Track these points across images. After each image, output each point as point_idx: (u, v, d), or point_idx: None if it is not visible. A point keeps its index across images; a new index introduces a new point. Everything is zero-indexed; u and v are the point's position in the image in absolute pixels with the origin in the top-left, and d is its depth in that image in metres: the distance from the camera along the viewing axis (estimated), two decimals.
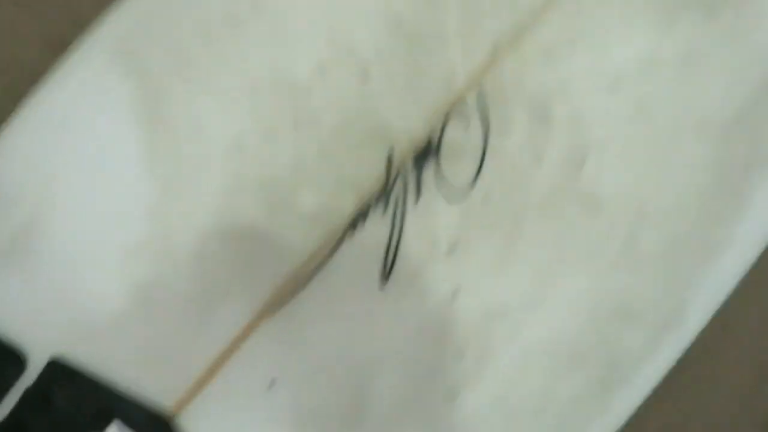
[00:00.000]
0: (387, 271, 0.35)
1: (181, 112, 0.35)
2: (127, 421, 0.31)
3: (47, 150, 0.34)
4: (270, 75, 0.36)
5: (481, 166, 0.37)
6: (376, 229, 0.35)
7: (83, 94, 0.35)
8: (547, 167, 0.38)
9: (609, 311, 0.38)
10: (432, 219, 0.36)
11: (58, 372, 0.31)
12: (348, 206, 0.35)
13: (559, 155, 0.38)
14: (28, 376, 0.31)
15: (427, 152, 0.37)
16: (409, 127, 0.37)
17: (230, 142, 0.35)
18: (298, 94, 0.36)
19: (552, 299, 0.37)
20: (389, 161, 0.36)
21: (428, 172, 0.36)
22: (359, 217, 0.35)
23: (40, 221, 0.33)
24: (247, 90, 0.35)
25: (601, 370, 0.37)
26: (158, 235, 0.33)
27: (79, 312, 0.32)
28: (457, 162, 0.37)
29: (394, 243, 0.36)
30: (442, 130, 0.37)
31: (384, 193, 0.36)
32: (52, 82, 0.35)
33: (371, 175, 0.36)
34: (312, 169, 0.35)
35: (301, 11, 0.37)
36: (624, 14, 0.39)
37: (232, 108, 0.35)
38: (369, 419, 0.34)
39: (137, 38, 0.35)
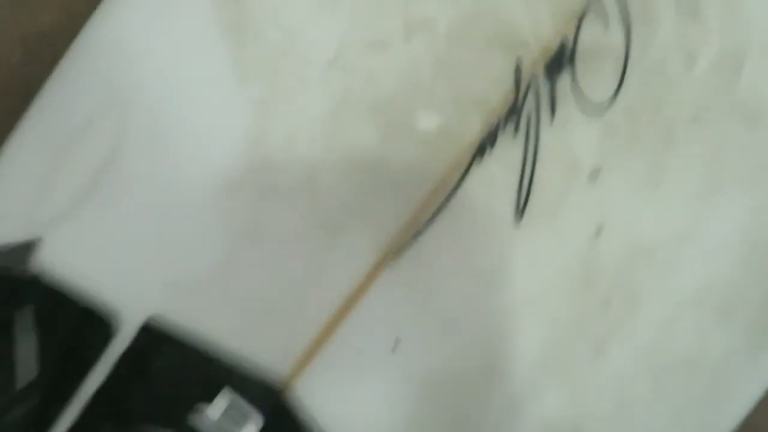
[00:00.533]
0: (522, 202, 0.30)
1: (270, 18, 0.29)
2: (236, 386, 0.26)
3: (123, 74, 0.29)
4: None
5: (624, 73, 0.31)
6: (508, 153, 0.30)
7: (160, 8, 0.29)
8: (699, 72, 0.32)
9: None
10: (570, 139, 0.30)
11: (153, 338, 0.26)
12: (473, 127, 0.29)
13: (714, 57, 0.32)
14: (121, 341, 0.26)
15: (561, 58, 0.30)
16: (538, 28, 0.30)
17: (330, 56, 0.29)
18: None
19: (706, 233, 0.32)
20: (518, 71, 0.30)
21: (563, 83, 0.30)
22: (487, 139, 0.29)
23: (123, 155, 0.28)
24: None
25: (756, 321, 0.32)
26: (257, 167, 0.28)
27: (174, 265, 0.27)
28: (595, 69, 0.31)
29: (528, 169, 0.30)
30: (577, 30, 0.31)
31: (514, 109, 0.30)
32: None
33: (498, 88, 0.30)
34: (429, 85, 0.29)
35: None
36: None
37: (331, 11, 0.29)
38: (507, 382, 0.29)
39: None
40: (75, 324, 0.26)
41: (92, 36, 0.31)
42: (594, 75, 0.31)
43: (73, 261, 0.27)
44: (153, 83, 0.29)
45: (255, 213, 0.27)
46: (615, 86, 0.31)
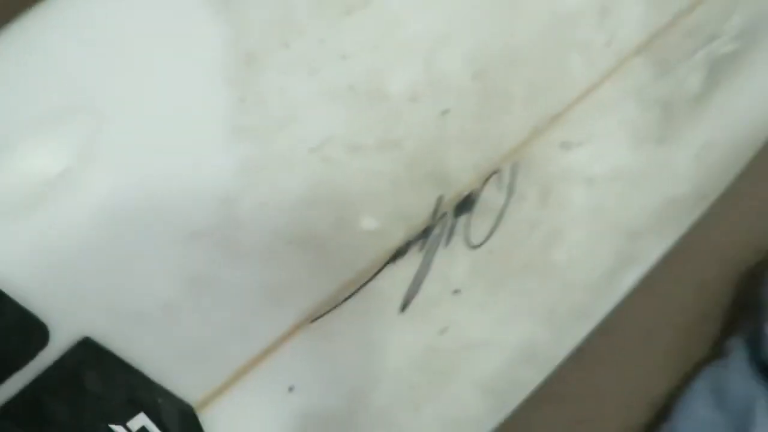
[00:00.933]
0: (409, 299, 0.39)
1: (276, 89, 0.32)
2: (153, 412, 0.28)
3: (102, 77, 0.28)
4: (367, 79, 0.35)
5: (493, 229, 0.42)
6: (411, 261, 0.38)
7: (164, 32, 0.29)
8: (534, 240, 0.45)
9: (522, 355, 0.48)
10: (451, 263, 0.41)
11: (91, 352, 0.26)
12: (397, 236, 0.37)
13: (544, 233, 0.46)
14: (49, 354, 0.26)
15: (466, 204, 0.40)
16: (460, 175, 0.40)
17: (315, 144, 0.33)
18: (389, 112, 0.36)
19: (499, 341, 0.46)
20: (438, 204, 0.39)
21: (461, 222, 0.40)
22: (402, 248, 0.38)
23: (88, 166, 0.27)
24: (344, 86, 0.34)
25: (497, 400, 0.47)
26: (224, 223, 0.30)
27: (119, 292, 0.28)
28: (481, 219, 0.42)
29: (420, 277, 0.39)
30: (482, 187, 0.41)
31: (426, 231, 0.39)
32: None
33: (422, 211, 0.38)
34: (380, 192, 0.36)
35: (411, 19, 0.36)
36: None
37: (328, 104, 0.33)
38: (355, 424, 0.38)
39: None
40: (7, 323, 0.25)
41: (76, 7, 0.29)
42: (479, 222, 0.41)
43: (11, 264, 0.25)
44: (137, 97, 0.29)
45: (209, 263, 0.30)
46: (488, 236, 0.42)
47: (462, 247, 0.41)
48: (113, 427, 0.27)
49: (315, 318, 0.34)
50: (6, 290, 0.25)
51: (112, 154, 0.28)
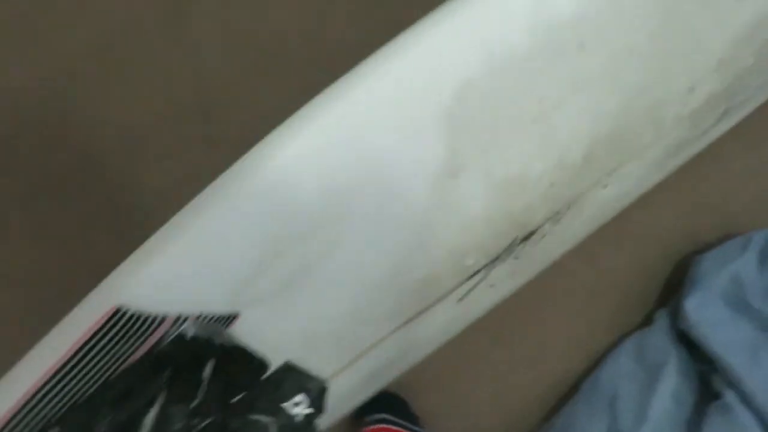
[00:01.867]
0: (463, 297, 0.51)
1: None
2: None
3: (349, 173, 0.31)
4: (519, 172, 0.40)
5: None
6: (477, 277, 0.50)
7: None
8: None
9: None
10: (499, 270, 0.53)
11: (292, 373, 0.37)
12: (480, 263, 0.48)
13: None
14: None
15: (529, 236, 0.51)
16: (535, 219, 0.49)
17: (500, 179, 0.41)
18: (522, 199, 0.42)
19: None
20: (514, 240, 0.49)
21: (519, 247, 0.52)
22: (477, 271, 0.49)
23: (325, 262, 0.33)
24: (502, 181, 0.40)
25: None
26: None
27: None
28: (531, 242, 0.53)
29: (476, 285, 0.51)
30: (544, 223, 0.51)
31: (496, 258, 0.49)
32: None
33: (500, 246, 0.48)
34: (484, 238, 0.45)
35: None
36: None
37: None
38: None
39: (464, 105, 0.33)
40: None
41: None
42: (528, 244, 0.53)
43: (258, 341, 0.33)
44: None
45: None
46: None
47: (509, 260, 0.53)
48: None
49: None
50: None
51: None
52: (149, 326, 0.29)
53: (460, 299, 0.51)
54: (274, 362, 0.36)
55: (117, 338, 0.28)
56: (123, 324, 0.28)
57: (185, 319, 0.29)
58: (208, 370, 0.32)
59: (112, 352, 0.28)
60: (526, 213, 0.47)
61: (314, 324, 0.37)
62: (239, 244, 0.30)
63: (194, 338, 0.30)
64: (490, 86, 0.34)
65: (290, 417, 0.41)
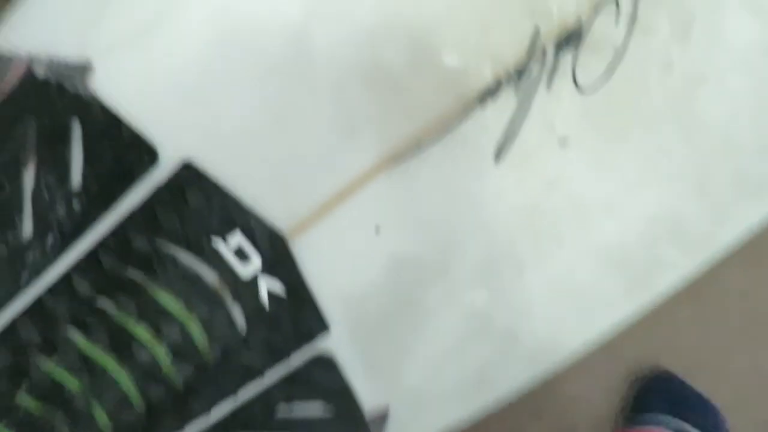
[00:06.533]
0: (502, 149, 0.36)
1: None
2: (248, 232, 0.32)
3: None
4: None
5: (614, 68, 0.37)
6: (505, 105, 0.35)
7: None
8: (670, 83, 0.38)
9: (664, 230, 0.41)
10: (556, 108, 0.36)
11: (192, 175, 0.30)
12: (485, 75, 0.35)
13: (685, 72, 0.38)
14: (157, 174, 0.31)
15: (571, 38, 0.36)
16: (563, 7, 0.35)
17: None
18: None
19: (628, 208, 0.40)
20: (534, 38, 0.35)
21: (565, 60, 0.36)
22: (493, 89, 0.35)
23: (174, 11, 0.30)
24: None
25: (632, 279, 0.42)
26: (301, 57, 0.32)
27: (212, 119, 0.31)
28: (593, 57, 0.36)
29: (517, 123, 0.36)
30: (593, 18, 0.36)
31: (522, 70, 0.35)
32: None
33: (514, 48, 0.35)
34: (461, 27, 0.34)
35: None
36: None
37: None
38: (451, 275, 0.37)
39: None
40: (123, 144, 0.30)
41: None
42: (590, 61, 0.36)
43: (119, 91, 0.30)
44: None
45: (290, 93, 0.32)
46: (606, 73, 0.37)
47: (568, 89, 0.36)
48: (214, 237, 0.31)
49: (398, 159, 0.34)
50: (120, 113, 0.30)
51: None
52: None
53: (497, 156, 0.36)
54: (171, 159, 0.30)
55: None
56: None
57: (36, 63, 0.29)
58: (75, 135, 0.29)
59: None
60: None
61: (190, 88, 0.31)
62: None
63: (46, 81, 0.29)
64: None
65: (232, 271, 0.32)
